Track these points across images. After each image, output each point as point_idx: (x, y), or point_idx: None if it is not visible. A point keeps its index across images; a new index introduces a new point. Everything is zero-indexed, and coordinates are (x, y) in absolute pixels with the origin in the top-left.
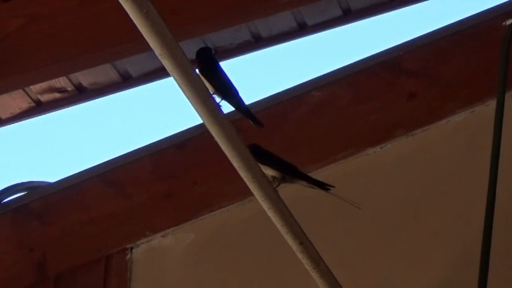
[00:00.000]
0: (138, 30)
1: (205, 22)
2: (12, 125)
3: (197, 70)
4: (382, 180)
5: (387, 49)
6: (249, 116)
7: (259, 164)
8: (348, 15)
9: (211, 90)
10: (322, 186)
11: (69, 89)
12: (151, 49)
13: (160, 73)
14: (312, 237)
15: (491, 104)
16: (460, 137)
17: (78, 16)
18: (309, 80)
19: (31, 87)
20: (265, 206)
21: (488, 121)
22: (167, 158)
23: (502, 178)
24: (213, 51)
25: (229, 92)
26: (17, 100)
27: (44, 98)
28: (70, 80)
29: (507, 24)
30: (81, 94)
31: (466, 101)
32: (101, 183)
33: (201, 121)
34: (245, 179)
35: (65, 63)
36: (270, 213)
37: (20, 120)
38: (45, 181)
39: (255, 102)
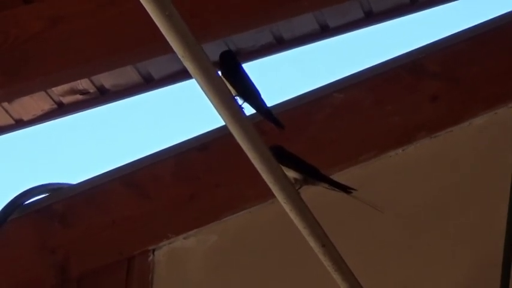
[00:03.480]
0: (161, 32)
1: (228, 24)
2: (35, 126)
3: (219, 72)
4: (404, 182)
5: (409, 51)
6: (270, 118)
7: (281, 166)
8: (370, 18)
9: (233, 92)
10: (344, 189)
11: (91, 90)
12: (173, 51)
13: (182, 75)
14: (334, 239)
15: None
16: (483, 139)
17: (100, 18)
18: (331, 82)
19: (53, 89)
20: (287, 208)
21: (510, 123)
22: (189, 159)
23: None
24: (235, 54)
25: (251, 94)
26: (39, 102)
27: (66, 99)
28: (92, 82)
29: None
30: (103, 96)
31: (489, 103)
32: (123, 185)
33: (224, 123)
34: (267, 181)
35: (87, 65)
36: (292, 215)
37: (42, 122)
38: (67, 183)
39: (277, 104)
